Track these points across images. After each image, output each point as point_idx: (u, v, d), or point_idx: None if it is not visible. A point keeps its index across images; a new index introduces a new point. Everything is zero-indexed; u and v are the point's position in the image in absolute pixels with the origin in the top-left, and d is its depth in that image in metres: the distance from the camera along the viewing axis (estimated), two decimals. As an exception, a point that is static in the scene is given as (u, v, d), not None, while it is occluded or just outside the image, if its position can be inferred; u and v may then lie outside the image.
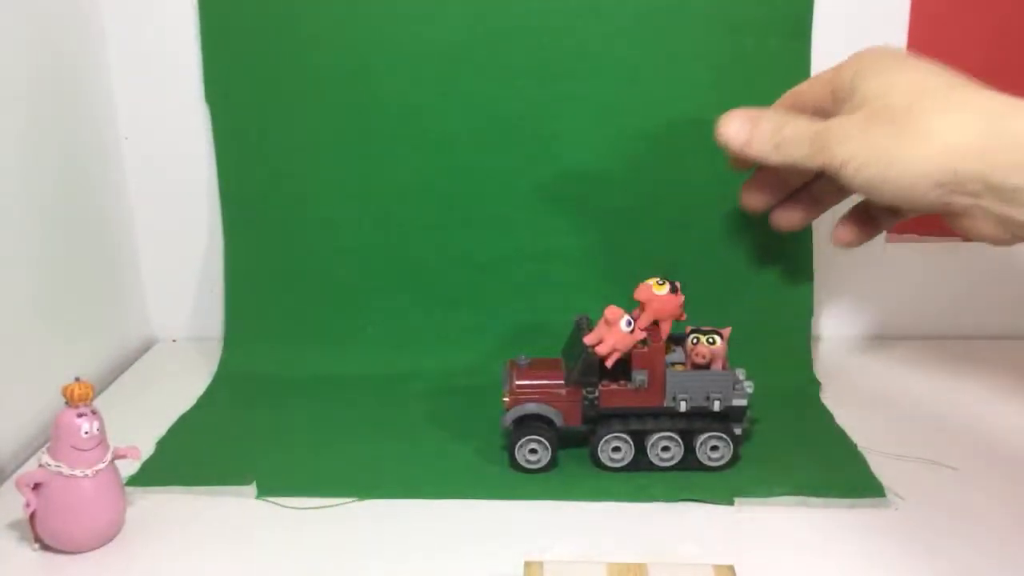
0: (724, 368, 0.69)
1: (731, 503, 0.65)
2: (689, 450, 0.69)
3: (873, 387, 0.84)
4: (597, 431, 0.69)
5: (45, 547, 0.60)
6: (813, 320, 0.88)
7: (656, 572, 0.53)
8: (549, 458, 0.69)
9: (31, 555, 0.60)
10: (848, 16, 0.85)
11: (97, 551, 0.60)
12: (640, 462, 0.69)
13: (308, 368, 0.86)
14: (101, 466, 0.60)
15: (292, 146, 0.87)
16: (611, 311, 0.67)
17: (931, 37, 0.86)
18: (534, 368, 0.71)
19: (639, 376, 0.68)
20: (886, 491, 0.66)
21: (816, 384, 0.84)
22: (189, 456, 0.72)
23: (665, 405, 0.69)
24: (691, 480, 0.68)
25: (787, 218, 0.77)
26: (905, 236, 0.92)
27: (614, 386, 0.69)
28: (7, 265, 0.73)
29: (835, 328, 0.94)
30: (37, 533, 0.60)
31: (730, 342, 0.70)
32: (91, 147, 0.86)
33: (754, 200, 0.77)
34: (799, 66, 0.85)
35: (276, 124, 0.86)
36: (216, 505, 0.66)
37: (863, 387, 0.84)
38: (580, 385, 0.69)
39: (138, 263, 0.94)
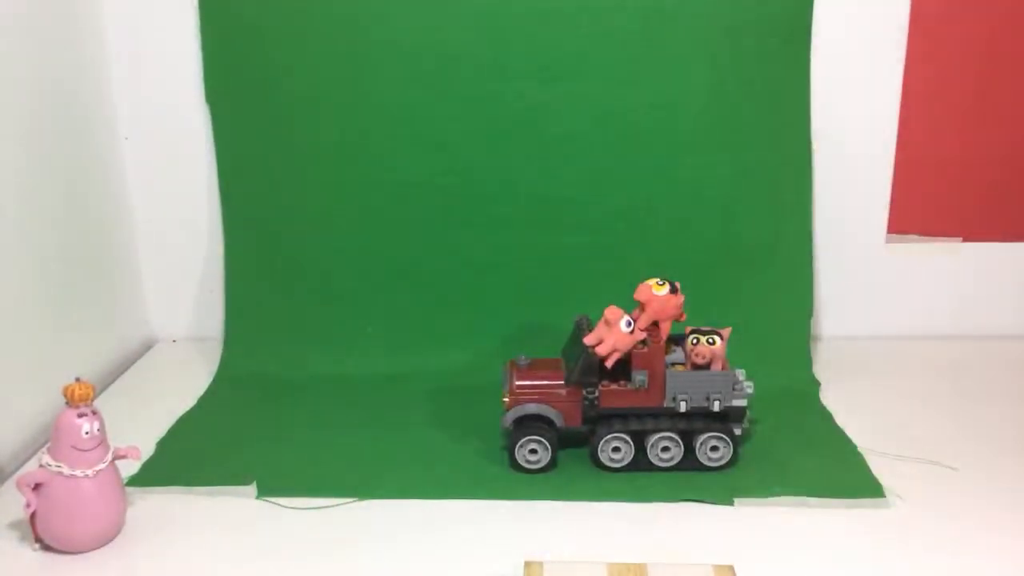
0: (724, 368, 0.69)
1: (731, 503, 0.65)
2: (689, 450, 0.69)
3: (873, 387, 0.84)
4: (597, 431, 0.69)
5: (45, 547, 0.61)
6: (813, 320, 0.88)
7: (656, 572, 0.53)
8: (549, 458, 0.69)
9: (31, 555, 0.60)
10: (848, 16, 0.85)
11: (97, 551, 0.60)
12: (640, 462, 0.69)
13: (308, 368, 0.87)
14: (101, 466, 0.60)
15: (292, 146, 0.87)
16: (611, 311, 0.67)
17: (931, 37, 0.86)
18: (534, 368, 0.71)
19: (639, 376, 0.68)
20: (886, 491, 0.66)
21: (816, 384, 0.84)
22: (189, 456, 0.72)
23: (665, 405, 0.69)
24: (691, 480, 0.68)
25: None
26: (905, 236, 0.92)
27: (614, 386, 0.69)
28: (7, 265, 0.73)
29: (835, 328, 0.94)
30: (37, 533, 0.60)
31: (730, 342, 0.70)
32: (91, 147, 0.86)
33: None
34: (799, 66, 0.85)
35: (276, 124, 0.87)
36: (216, 505, 0.66)
37: (863, 387, 0.84)
38: (580, 385, 0.69)
39: (138, 263, 0.94)
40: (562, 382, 0.69)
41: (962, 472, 0.69)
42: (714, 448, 0.69)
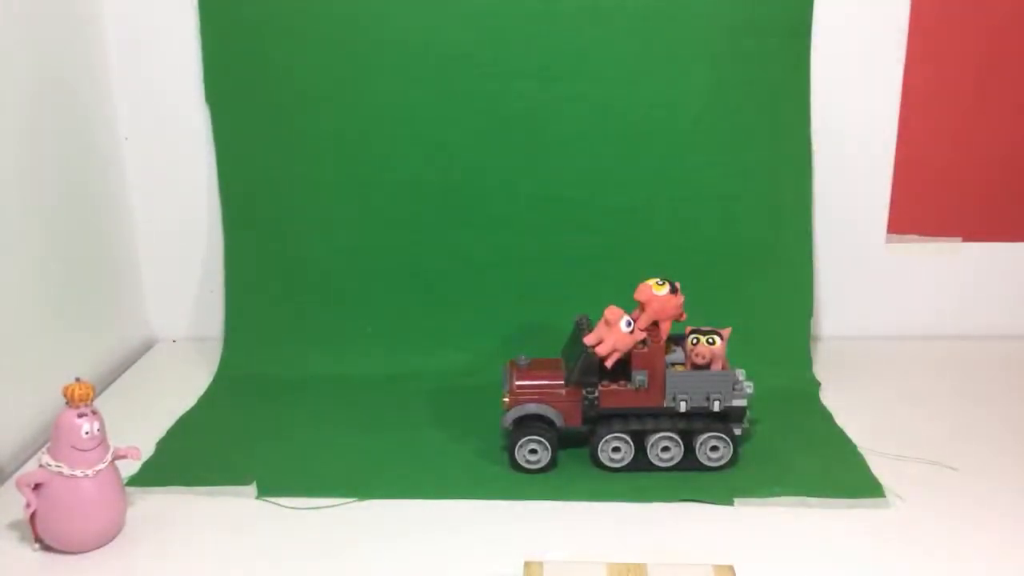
0: (724, 368, 0.69)
1: (731, 503, 0.65)
2: (689, 450, 0.69)
3: (873, 387, 0.84)
4: (597, 431, 0.69)
5: (45, 547, 0.61)
6: (813, 320, 0.88)
7: (656, 572, 0.53)
8: (549, 458, 0.69)
9: (31, 555, 0.60)
10: (848, 16, 0.85)
11: (97, 551, 0.60)
12: (640, 462, 0.69)
13: (308, 368, 0.87)
14: (101, 466, 0.60)
15: (292, 146, 0.87)
16: (611, 311, 0.67)
17: (931, 37, 0.86)
18: (534, 368, 0.71)
19: (639, 376, 0.68)
20: (886, 491, 0.66)
21: (816, 384, 0.84)
22: (189, 456, 0.72)
23: (665, 405, 0.69)
24: (691, 480, 0.68)
25: None
26: (905, 236, 0.92)
27: (614, 386, 0.69)
28: (7, 266, 0.73)
29: (835, 328, 0.94)
30: (37, 533, 0.60)
31: (730, 342, 0.70)
32: (91, 148, 0.86)
33: None
34: (799, 66, 0.85)
35: (276, 124, 0.87)
36: (216, 505, 0.66)
37: (863, 387, 0.84)
38: (580, 385, 0.69)
39: (138, 263, 0.94)
40: (562, 382, 0.69)
41: (962, 472, 0.69)
42: (714, 448, 0.69)
